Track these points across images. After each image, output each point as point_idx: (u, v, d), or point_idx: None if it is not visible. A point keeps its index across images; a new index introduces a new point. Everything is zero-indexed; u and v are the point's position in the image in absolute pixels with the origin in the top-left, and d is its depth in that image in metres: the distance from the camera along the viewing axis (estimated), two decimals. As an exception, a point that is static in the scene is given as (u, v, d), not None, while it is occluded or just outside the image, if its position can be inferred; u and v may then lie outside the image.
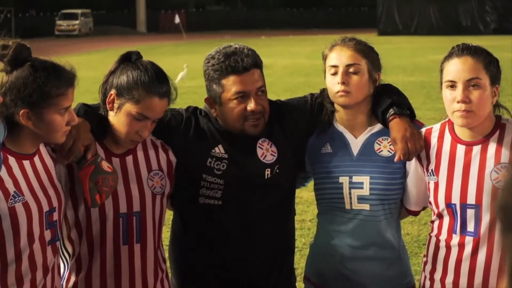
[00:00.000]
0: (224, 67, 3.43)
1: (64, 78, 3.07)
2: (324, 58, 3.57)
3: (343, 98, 3.48)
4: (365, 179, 3.51)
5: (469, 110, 3.19)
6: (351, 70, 3.47)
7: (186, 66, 20.99)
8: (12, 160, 3.06)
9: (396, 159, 3.42)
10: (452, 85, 3.23)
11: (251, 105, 3.44)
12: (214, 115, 3.55)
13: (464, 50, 3.26)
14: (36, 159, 3.16)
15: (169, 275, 3.71)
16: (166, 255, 3.76)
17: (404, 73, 22.34)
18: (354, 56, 3.48)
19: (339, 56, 3.49)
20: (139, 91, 3.26)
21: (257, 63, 3.49)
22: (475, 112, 3.20)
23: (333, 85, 3.48)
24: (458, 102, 3.19)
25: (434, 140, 3.40)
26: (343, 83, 3.44)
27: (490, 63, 3.25)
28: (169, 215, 3.76)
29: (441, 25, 51.91)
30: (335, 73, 3.48)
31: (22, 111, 2.99)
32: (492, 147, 3.27)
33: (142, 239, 3.41)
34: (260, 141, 3.57)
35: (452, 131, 3.37)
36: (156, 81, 3.29)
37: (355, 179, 3.52)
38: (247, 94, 3.44)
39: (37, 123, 3.04)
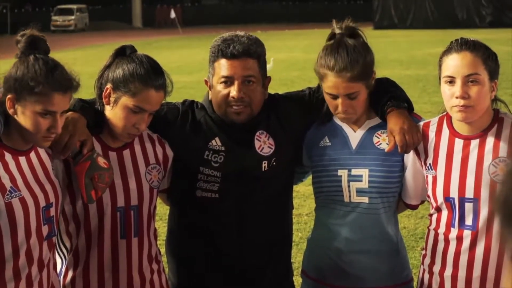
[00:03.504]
0: (217, 51, 3.48)
1: (53, 81, 3.01)
2: (318, 75, 3.49)
3: (345, 118, 3.49)
4: (364, 172, 3.50)
5: (468, 105, 3.19)
6: (350, 96, 3.43)
7: (273, 60, 20.55)
8: (8, 156, 3.06)
9: (388, 149, 3.42)
10: (451, 81, 3.23)
11: (233, 92, 3.45)
12: (210, 98, 3.58)
13: (463, 45, 3.25)
14: (32, 154, 3.15)
15: (166, 270, 3.71)
16: (163, 250, 3.76)
17: (400, 67, 22.36)
18: (351, 86, 3.39)
19: (336, 88, 3.40)
20: (135, 83, 3.26)
21: (250, 52, 3.48)
22: (474, 107, 3.20)
23: (333, 107, 3.47)
24: (457, 97, 3.19)
25: (432, 134, 3.40)
26: (345, 110, 3.43)
27: (488, 58, 3.25)
28: (166, 209, 3.76)
29: (437, 18, 51.88)
30: (333, 98, 3.45)
31: (8, 96, 2.97)
32: (490, 141, 3.27)
33: (140, 232, 3.42)
34: (257, 133, 3.58)
35: (450, 125, 3.37)
36: (152, 73, 3.30)
37: (354, 172, 3.51)
38: (232, 80, 3.45)
39: (20, 116, 3.02)
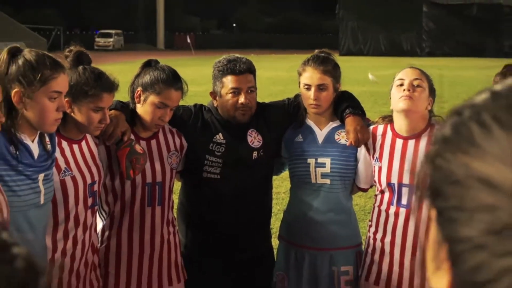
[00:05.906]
0: (225, 69, 3.49)
1: (102, 84, 3.02)
2: (299, 73, 3.57)
3: (315, 109, 3.52)
4: (327, 161, 3.54)
5: (411, 96, 3.24)
6: (320, 87, 3.50)
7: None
8: (64, 144, 3.07)
9: (348, 144, 3.47)
10: (401, 84, 3.29)
11: (241, 99, 3.47)
12: (215, 105, 3.59)
13: (411, 66, 3.39)
14: (83, 143, 3.17)
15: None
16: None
17: (358, 85, 22.24)
18: (323, 78, 3.50)
19: (311, 78, 3.49)
20: (159, 85, 3.29)
21: (250, 69, 3.52)
22: (414, 100, 3.24)
23: (307, 98, 3.52)
24: (404, 90, 3.25)
25: (379, 136, 3.45)
26: (315, 99, 3.48)
27: (430, 79, 3.35)
28: (177, 185, 3.77)
29: (387, 49, 52.03)
30: (308, 89, 3.51)
31: (66, 99, 2.93)
32: (423, 141, 3.30)
33: (162, 202, 3.44)
34: (250, 131, 3.61)
35: (393, 129, 3.41)
36: (172, 77, 3.33)
37: (320, 160, 3.55)
38: (239, 90, 3.47)
39: (77, 113, 3.02)
